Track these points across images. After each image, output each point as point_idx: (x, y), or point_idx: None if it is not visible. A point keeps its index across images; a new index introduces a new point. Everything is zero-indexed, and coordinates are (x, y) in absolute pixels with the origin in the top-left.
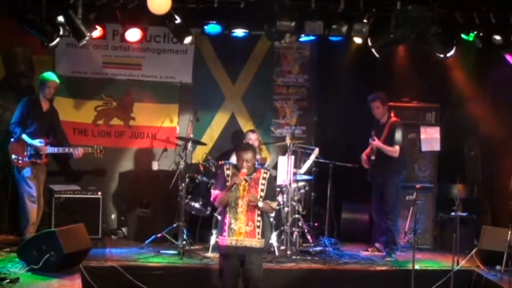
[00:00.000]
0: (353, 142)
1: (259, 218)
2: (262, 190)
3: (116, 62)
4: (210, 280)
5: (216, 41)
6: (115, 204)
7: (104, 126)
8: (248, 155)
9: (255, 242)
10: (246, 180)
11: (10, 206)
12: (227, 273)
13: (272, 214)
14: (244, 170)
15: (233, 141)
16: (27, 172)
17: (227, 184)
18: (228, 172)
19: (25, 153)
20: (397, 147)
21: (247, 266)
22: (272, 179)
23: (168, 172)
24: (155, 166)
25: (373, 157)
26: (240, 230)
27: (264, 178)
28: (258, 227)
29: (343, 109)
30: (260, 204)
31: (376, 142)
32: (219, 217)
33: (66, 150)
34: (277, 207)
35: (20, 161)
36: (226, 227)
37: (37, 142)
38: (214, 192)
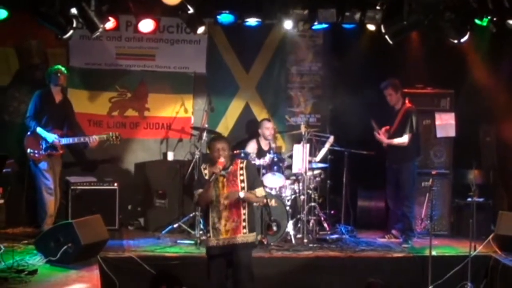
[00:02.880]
0: (368, 129)
1: (244, 211)
2: (242, 181)
3: (130, 53)
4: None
5: (229, 30)
6: (131, 195)
7: (119, 117)
8: (222, 144)
9: (241, 237)
10: (223, 176)
11: (27, 198)
12: (214, 274)
13: (288, 203)
14: (222, 160)
15: (248, 130)
16: (43, 165)
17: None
18: (205, 171)
19: (41, 146)
20: (405, 136)
21: (235, 266)
22: (251, 166)
23: (184, 162)
24: (170, 156)
25: (385, 144)
26: (225, 229)
27: (241, 169)
28: (244, 220)
29: (357, 96)
30: (242, 194)
31: (380, 137)
32: (201, 220)
33: (82, 139)
34: (264, 194)
35: (36, 155)
36: (210, 228)
37: (51, 137)
38: (196, 194)
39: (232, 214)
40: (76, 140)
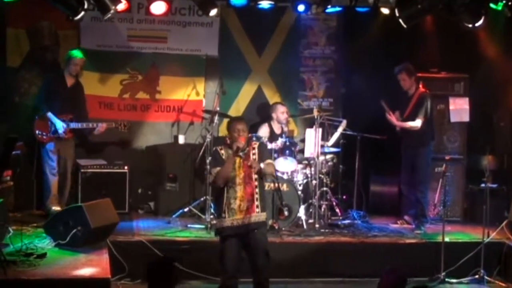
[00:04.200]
0: (381, 114)
1: (256, 190)
2: (255, 160)
3: (141, 35)
4: None
5: (242, 13)
6: (141, 179)
7: (130, 100)
8: (242, 125)
9: (255, 217)
10: (240, 156)
11: (36, 181)
12: (228, 256)
13: (300, 187)
14: (241, 140)
15: (259, 113)
16: (50, 146)
17: (226, 161)
18: (222, 152)
19: (49, 128)
20: (418, 120)
21: (252, 247)
22: (263, 145)
23: (195, 145)
24: (181, 139)
25: (398, 129)
26: (240, 208)
27: (254, 148)
28: (257, 199)
29: (370, 81)
30: (262, 165)
31: (391, 118)
32: (212, 204)
33: (90, 125)
34: (273, 163)
35: (44, 137)
36: (225, 208)
37: (60, 126)
38: (213, 173)
39: (246, 194)
40: (84, 125)
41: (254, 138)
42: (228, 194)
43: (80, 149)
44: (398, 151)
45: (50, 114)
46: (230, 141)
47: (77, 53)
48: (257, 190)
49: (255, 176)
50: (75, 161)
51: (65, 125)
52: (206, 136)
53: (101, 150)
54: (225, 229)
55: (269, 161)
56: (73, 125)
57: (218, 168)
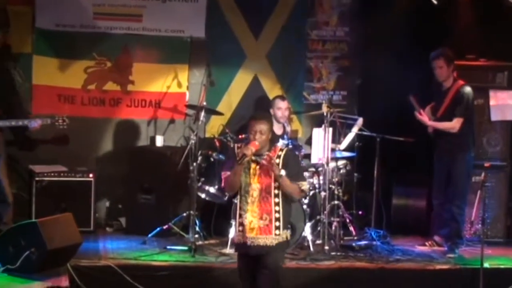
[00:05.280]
0: (406, 110)
1: (277, 208)
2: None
3: (111, 12)
4: (228, 283)
5: None
6: (110, 189)
7: (96, 92)
8: (262, 126)
9: (271, 239)
10: (256, 162)
11: None
12: (244, 274)
13: (306, 200)
14: (256, 142)
15: (256, 109)
16: None
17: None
18: (238, 151)
19: None
20: (456, 120)
21: (260, 270)
22: (292, 155)
23: (176, 148)
24: (159, 141)
25: (430, 130)
26: (251, 226)
27: (278, 157)
28: (277, 220)
29: (393, 69)
30: (283, 172)
31: (423, 118)
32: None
33: (20, 123)
34: (308, 189)
35: None
36: (239, 222)
37: None
38: (224, 175)
39: (261, 210)
40: (13, 123)
41: (285, 143)
42: (241, 204)
43: (31, 154)
44: (427, 157)
45: None
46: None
47: None
48: (278, 208)
49: (275, 191)
50: (7, 160)
51: None
52: (190, 137)
53: (63, 156)
54: (237, 245)
55: (301, 182)
56: None
57: (228, 173)
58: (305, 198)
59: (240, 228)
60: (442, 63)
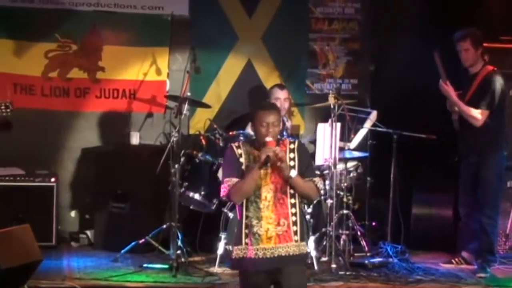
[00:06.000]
0: (427, 102)
1: (293, 210)
2: (292, 167)
3: None
4: None
5: None
6: (76, 196)
7: (59, 81)
8: (272, 116)
9: (293, 247)
10: (265, 167)
11: None
12: None
13: (309, 210)
14: (270, 139)
15: (250, 101)
16: None
17: (246, 166)
18: (240, 151)
19: None
20: (479, 111)
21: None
22: (304, 148)
23: (155, 148)
24: (135, 138)
25: (455, 121)
26: (268, 234)
27: (292, 151)
28: (294, 224)
29: (411, 54)
30: (294, 173)
31: (448, 90)
32: (231, 215)
33: None
34: (321, 187)
35: None
36: (246, 233)
37: None
38: (228, 182)
39: (278, 215)
40: None
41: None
42: (249, 212)
43: None
44: (455, 157)
45: None
46: (256, 137)
47: None
48: (294, 210)
49: (291, 191)
50: None
51: None
52: (171, 134)
53: (16, 154)
54: (245, 262)
55: (314, 179)
56: None
57: (234, 180)
58: (308, 207)
59: (250, 241)
60: (468, 45)
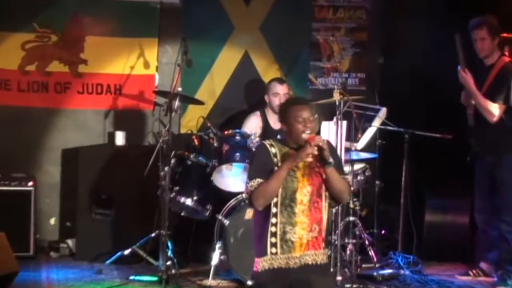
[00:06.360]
0: (443, 98)
1: (325, 215)
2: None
3: None
4: None
5: None
6: (56, 202)
7: (37, 75)
8: (307, 112)
9: (321, 255)
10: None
11: None
12: None
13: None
14: (308, 133)
15: (247, 96)
16: None
17: (278, 166)
18: (274, 150)
19: None
20: (496, 107)
21: None
22: (333, 146)
23: (142, 148)
24: (120, 138)
25: (471, 121)
26: (301, 241)
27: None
28: (323, 230)
29: (425, 45)
30: (331, 162)
31: (466, 78)
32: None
33: None
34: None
35: None
36: (273, 242)
37: None
38: (250, 183)
39: (312, 220)
40: None
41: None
42: (282, 217)
43: None
44: (472, 160)
45: None
46: (288, 134)
47: None
48: (325, 215)
49: (326, 193)
50: None
51: None
52: (160, 133)
53: None
54: (275, 272)
55: (346, 176)
56: None
57: (260, 180)
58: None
59: (285, 247)
60: (485, 34)
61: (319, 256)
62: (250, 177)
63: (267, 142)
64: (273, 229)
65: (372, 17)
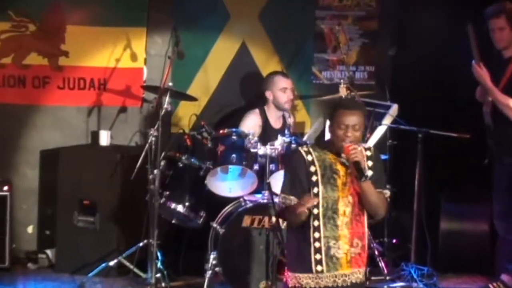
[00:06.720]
0: (459, 93)
1: (367, 230)
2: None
3: None
4: None
5: None
6: (34, 208)
7: (13, 68)
8: (354, 118)
9: (362, 274)
10: (344, 164)
11: None
12: None
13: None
14: (347, 144)
15: (244, 92)
16: None
17: (321, 175)
18: (310, 157)
19: None
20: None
21: None
22: (380, 157)
23: (129, 149)
24: (105, 138)
25: (488, 119)
26: (347, 257)
27: (369, 158)
28: (366, 246)
29: (440, 35)
30: (366, 176)
31: (481, 73)
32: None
33: None
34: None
35: None
36: (319, 257)
37: None
38: (282, 196)
39: (353, 233)
40: None
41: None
42: (326, 231)
43: None
44: (490, 161)
45: None
46: (332, 139)
47: None
48: (367, 230)
49: None
50: None
51: None
52: (148, 132)
53: None
54: None
55: (383, 191)
56: None
57: (290, 198)
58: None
59: (331, 264)
60: (504, 23)
61: (361, 274)
62: (283, 190)
63: (303, 149)
64: (316, 244)
65: (383, 5)
